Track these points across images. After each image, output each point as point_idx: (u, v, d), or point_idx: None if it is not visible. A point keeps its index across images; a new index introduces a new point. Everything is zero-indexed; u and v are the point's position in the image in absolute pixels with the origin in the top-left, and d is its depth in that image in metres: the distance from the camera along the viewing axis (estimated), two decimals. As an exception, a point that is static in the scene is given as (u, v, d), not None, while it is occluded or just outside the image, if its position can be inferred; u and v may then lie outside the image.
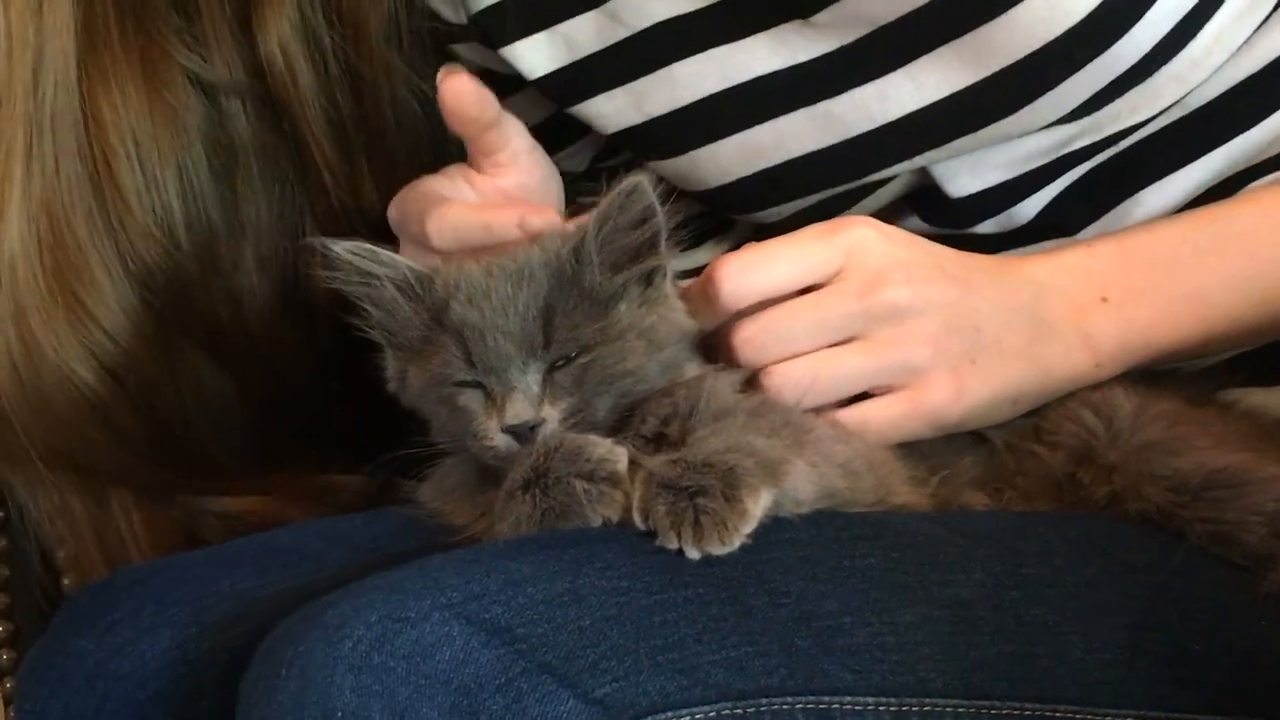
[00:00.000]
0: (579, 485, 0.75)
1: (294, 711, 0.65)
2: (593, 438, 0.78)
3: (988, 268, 0.86)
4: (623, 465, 0.76)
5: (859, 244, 0.83)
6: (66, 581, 1.03)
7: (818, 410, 0.82)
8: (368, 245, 0.87)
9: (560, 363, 0.82)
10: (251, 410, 1.07)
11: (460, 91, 0.93)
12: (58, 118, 0.97)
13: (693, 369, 0.86)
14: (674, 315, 0.86)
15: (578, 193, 1.10)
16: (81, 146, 0.98)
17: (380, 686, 0.65)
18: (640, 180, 0.83)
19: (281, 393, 1.08)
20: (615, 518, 0.75)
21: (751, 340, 0.82)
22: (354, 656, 0.65)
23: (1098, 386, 0.88)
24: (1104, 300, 0.85)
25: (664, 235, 0.85)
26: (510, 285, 0.84)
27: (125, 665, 0.79)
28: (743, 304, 0.83)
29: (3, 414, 0.97)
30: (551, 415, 0.81)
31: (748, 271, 0.82)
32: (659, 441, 0.80)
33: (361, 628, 0.66)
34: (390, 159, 1.07)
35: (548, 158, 1.00)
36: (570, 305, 0.83)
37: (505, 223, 0.89)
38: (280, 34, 1.02)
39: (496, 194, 0.96)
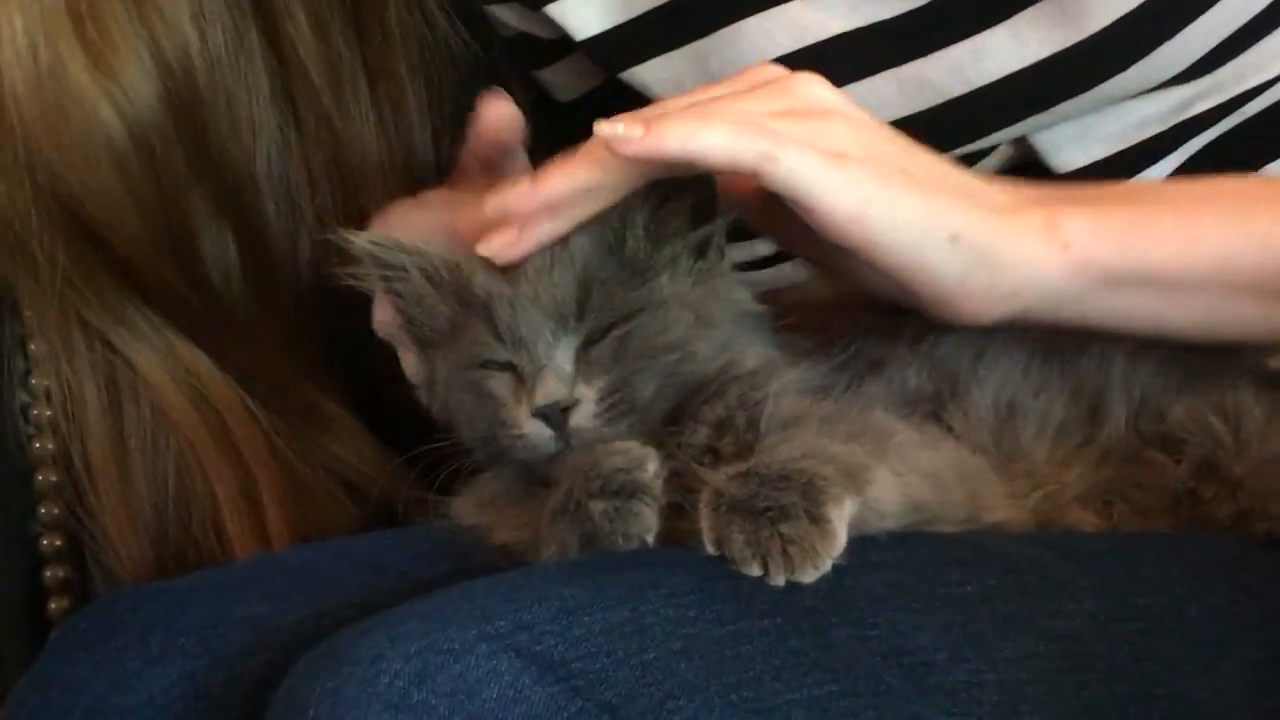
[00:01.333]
0: (596, 507, 0.74)
1: None
2: (615, 444, 0.77)
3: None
4: (646, 473, 0.75)
5: (808, 90, 0.82)
6: (53, 605, 1.02)
7: None
8: (389, 236, 0.87)
9: (596, 336, 0.81)
10: (249, 268, 1.09)
11: (503, 119, 0.93)
12: None
13: (753, 358, 0.83)
14: (730, 291, 0.85)
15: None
16: None
17: None
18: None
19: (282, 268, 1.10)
20: (650, 536, 0.74)
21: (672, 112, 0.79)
22: (391, 693, 0.64)
23: (1226, 389, 0.86)
24: (1078, 202, 0.83)
25: (719, 201, 0.84)
26: (545, 251, 0.83)
27: (130, 699, 0.78)
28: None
29: (12, 139, 0.99)
30: (586, 395, 0.80)
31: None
32: (713, 455, 0.79)
33: (399, 661, 0.64)
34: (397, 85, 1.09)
35: None
36: (609, 274, 0.82)
37: None
38: None
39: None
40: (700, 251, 0.84)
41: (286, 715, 0.67)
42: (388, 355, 0.92)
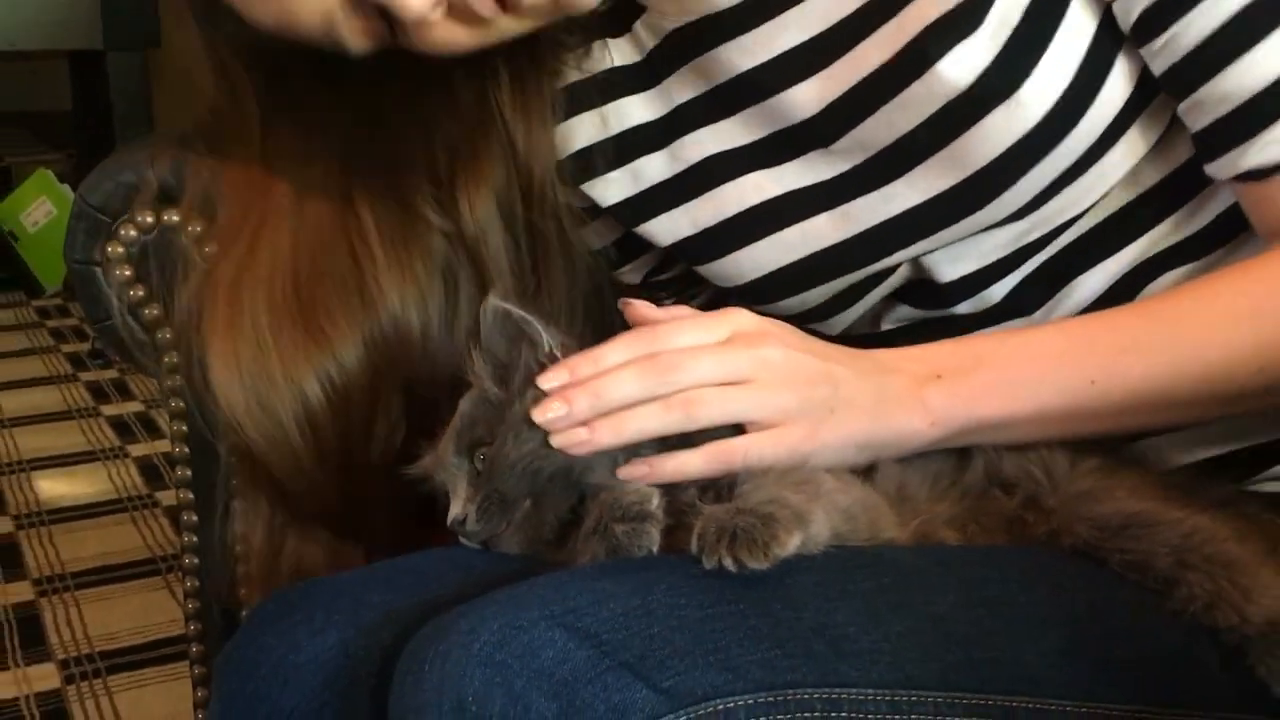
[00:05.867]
0: (618, 528, 0.75)
1: (435, 696, 0.66)
2: (630, 486, 0.78)
3: (845, 350, 0.85)
4: (651, 504, 0.76)
5: (741, 320, 0.83)
6: (243, 591, 1.03)
7: (702, 432, 0.79)
8: None
9: (474, 463, 0.82)
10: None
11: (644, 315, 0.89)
12: (316, 202, 0.98)
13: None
14: None
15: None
16: (335, 232, 0.99)
17: (501, 678, 0.65)
18: (490, 301, 0.83)
19: None
20: (654, 548, 0.75)
21: (672, 364, 0.79)
22: (481, 655, 0.66)
23: (1041, 446, 0.87)
24: (938, 377, 0.84)
25: (542, 334, 0.83)
26: (468, 401, 0.84)
27: (301, 658, 0.79)
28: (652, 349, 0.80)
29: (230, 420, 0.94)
30: (470, 511, 0.81)
31: (667, 332, 0.81)
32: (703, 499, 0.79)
33: (486, 633, 0.67)
34: (555, 290, 1.07)
35: None
36: (479, 413, 0.83)
37: None
38: (485, 204, 1.02)
39: None
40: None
41: (410, 670, 0.68)
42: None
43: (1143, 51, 0.87)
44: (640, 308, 0.85)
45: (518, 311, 0.84)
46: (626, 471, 0.78)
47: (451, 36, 0.90)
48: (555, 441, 0.78)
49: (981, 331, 0.89)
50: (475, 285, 1.02)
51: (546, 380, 0.80)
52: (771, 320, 0.84)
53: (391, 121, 1.01)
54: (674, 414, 0.78)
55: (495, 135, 1.02)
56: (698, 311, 0.86)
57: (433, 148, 1.01)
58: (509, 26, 0.91)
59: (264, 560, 1.01)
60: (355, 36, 0.90)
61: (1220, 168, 0.87)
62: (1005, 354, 0.86)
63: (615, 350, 0.80)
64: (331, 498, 0.98)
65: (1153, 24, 0.85)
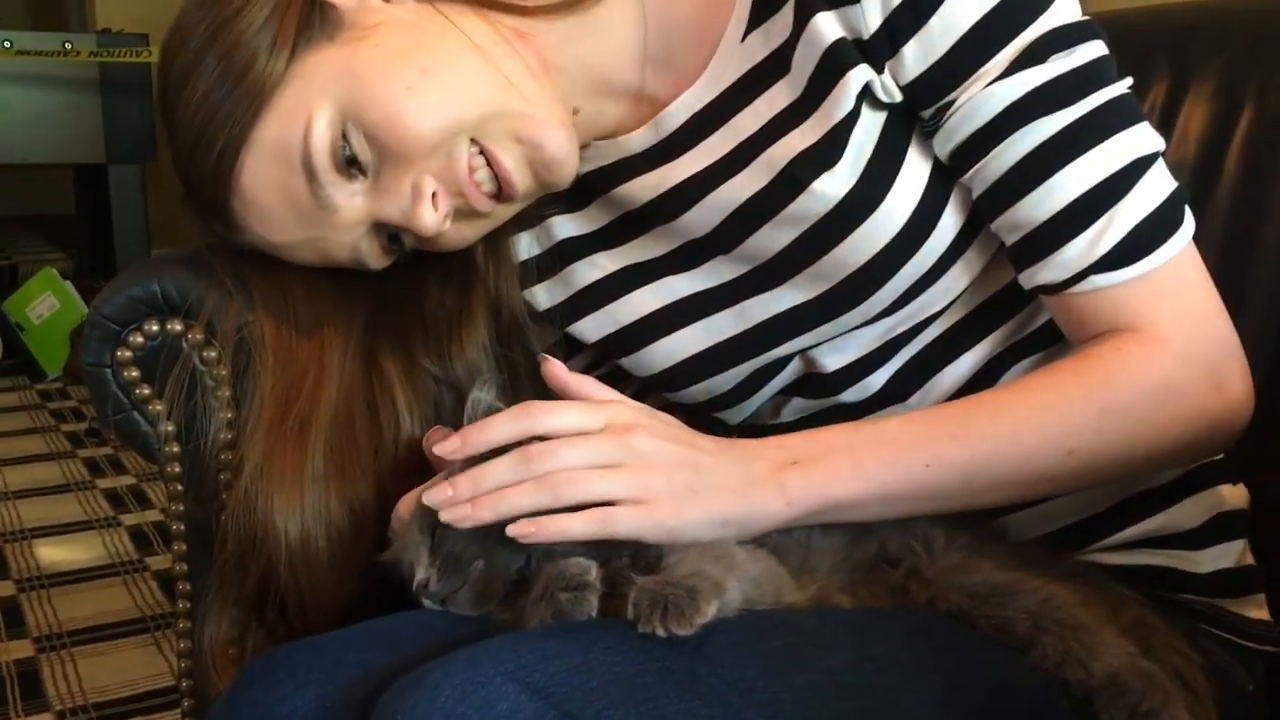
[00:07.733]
0: (561, 596, 0.75)
1: None
2: (573, 559, 0.77)
3: (714, 439, 0.85)
4: (591, 576, 0.76)
5: (617, 412, 0.83)
6: (232, 651, 1.01)
7: (578, 506, 0.79)
8: None
9: (434, 540, 0.82)
10: None
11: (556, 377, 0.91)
12: (352, 360, 1.01)
13: None
14: None
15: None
16: (365, 387, 1.01)
17: None
18: (474, 393, 0.85)
19: None
20: (593, 612, 0.75)
21: (543, 453, 0.80)
22: (445, 707, 0.66)
23: (921, 523, 0.87)
24: (794, 463, 0.83)
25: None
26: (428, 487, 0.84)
27: (284, 710, 0.78)
28: (537, 431, 0.81)
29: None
30: (432, 575, 0.81)
31: (549, 411, 0.82)
32: (633, 568, 0.80)
33: (449, 688, 0.67)
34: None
35: None
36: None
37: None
38: (474, 351, 1.04)
39: None
40: None
41: None
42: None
43: (961, 181, 0.90)
44: (555, 369, 0.87)
45: (498, 404, 0.84)
46: (515, 530, 0.78)
47: (460, 236, 0.98)
48: (443, 517, 0.80)
49: (838, 424, 0.89)
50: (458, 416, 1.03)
51: (441, 448, 0.83)
52: (650, 412, 0.85)
53: (395, 292, 1.04)
54: (544, 493, 0.79)
55: (475, 287, 1.05)
56: (598, 387, 0.87)
57: (428, 310, 1.04)
58: (505, 212, 0.99)
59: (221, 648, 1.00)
60: (375, 257, 0.98)
61: (1024, 280, 0.90)
62: (853, 442, 0.85)
63: (500, 425, 0.82)
64: (340, 596, 0.97)
65: (961, 161, 0.89)
